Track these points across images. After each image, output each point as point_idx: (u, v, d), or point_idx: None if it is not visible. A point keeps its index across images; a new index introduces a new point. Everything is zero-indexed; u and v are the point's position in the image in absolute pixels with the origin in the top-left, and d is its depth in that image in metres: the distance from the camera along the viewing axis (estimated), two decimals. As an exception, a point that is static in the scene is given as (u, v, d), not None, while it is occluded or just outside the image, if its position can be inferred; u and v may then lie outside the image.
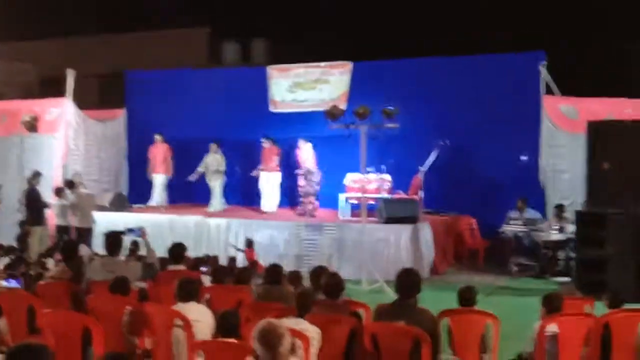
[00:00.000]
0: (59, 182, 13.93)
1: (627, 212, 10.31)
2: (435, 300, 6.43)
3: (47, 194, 13.30)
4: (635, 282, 9.90)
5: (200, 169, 14.69)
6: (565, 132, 13.48)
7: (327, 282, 6.10)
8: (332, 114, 11.59)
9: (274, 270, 7.04)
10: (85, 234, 12.74)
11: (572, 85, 14.04)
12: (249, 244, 12.09)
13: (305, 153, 14.12)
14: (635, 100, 13.54)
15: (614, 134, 10.73)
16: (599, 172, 10.71)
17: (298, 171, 14.09)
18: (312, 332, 5.21)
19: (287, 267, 9.09)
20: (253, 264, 10.83)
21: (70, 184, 13.34)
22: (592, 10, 19.93)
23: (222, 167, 14.74)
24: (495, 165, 13.90)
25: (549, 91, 13.70)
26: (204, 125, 15.67)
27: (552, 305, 6.08)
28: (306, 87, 15.60)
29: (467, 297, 6.25)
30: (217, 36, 24.73)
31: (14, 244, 12.37)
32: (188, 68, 18.01)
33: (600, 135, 10.84)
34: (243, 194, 15.62)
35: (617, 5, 19.28)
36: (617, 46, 19.07)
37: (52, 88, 18.17)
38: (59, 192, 13.23)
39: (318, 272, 6.76)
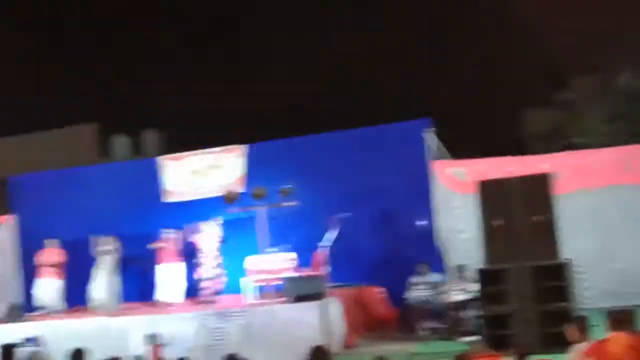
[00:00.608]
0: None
1: (523, 265, 10.59)
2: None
3: None
4: (537, 333, 10.10)
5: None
6: (457, 194, 13.91)
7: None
8: (228, 198, 11.59)
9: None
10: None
11: (459, 148, 14.63)
12: (153, 339, 11.66)
13: (207, 236, 13.90)
14: (519, 157, 14.24)
15: (502, 191, 11.09)
16: (492, 229, 11.00)
17: (198, 256, 13.83)
18: None
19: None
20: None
21: None
22: (474, 76, 21.04)
23: (116, 260, 14.31)
24: (394, 234, 14.14)
25: (438, 156, 14.18)
26: (98, 223, 15.19)
27: (462, 366, 6.13)
28: (201, 174, 15.53)
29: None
30: (106, 131, 24.49)
31: None
32: (78, 166, 17.64)
33: (490, 194, 11.18)
34: (141, 289, 15.11)
35: (495, 72, 20.44)
36: (498, 109, 20.07)
37: None
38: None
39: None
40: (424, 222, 14.08)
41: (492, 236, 11.03)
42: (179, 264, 14.19)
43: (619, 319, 7.00)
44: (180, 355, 7.76)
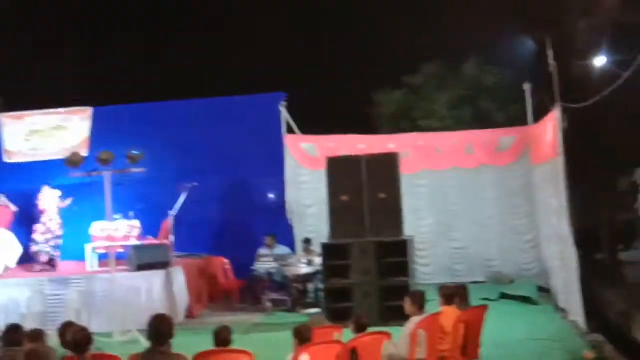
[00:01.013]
0: None
1: (366, 241, 10.96)
2: (191, 344, 6.32)
3: None
4: (377, 306, 10.52)
5: None
6: (307, 169, 14.15)
7: (72, 337, 5.75)
8: (72, 162, 11.11)
9: (12, 331, 6.49)
10: None
11: (310, 124, 14.84)
12: None
13: (47, 201, 13.29)
14: (368, 136, 14.65)
15: (350, 168, 11.37)
16: (339, 204, 11.28)
17: (39, 221, 13.24)
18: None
19: (32, 326, 8.42)
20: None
21: None
22: (326, 56, 21.32)
23: None
24: (243, 205, 14.19)
25: (290, 130, 14.32)
26: None
27: (302, 337, 6.25)
28: (44, 134, 14.80)
29: (222, 338, 6.21)
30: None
31: None
32: None
33: (338, 170, 11.43)
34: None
35: (349, 52, 20.83)
36: (350, 88, 20.45)
37: None
38: None
39: (65, 329, 6.36)
40: (274, 195, 14.22)
41: (338, 212, 11.31)
42: (7, 231, 13.45)
43: (450, 293, 7.44)
44: (10, 322, 7.40)
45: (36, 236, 13.24)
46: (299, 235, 13.87)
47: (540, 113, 12.73)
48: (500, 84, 18.85)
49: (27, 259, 13.87)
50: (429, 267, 13.81)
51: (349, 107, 20.25)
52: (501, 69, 18.70)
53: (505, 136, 14.39)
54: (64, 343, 5.98)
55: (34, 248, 13.22)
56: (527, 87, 14.08)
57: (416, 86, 20.10)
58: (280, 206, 14.31)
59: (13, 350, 6.18)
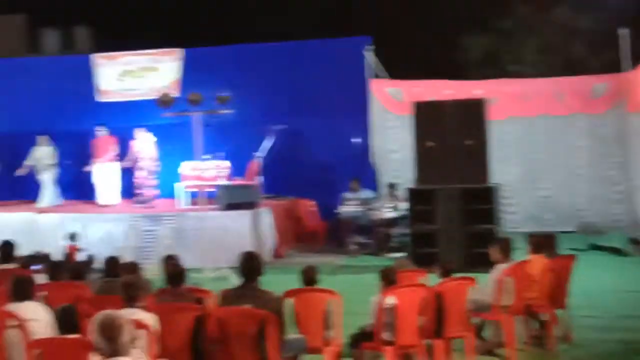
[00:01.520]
0: None
1: (452, 187, 10.90)
2: (278, 282, 6.49)
3: None
4: (462, 252, 10.50)
5: (28, 163, 13.89)
6: (393, 114, 14.08)
7: (168, 270, 6.02)
8: (163, 102, 11.42)
9: (111, 263, 6.84)
10: None
11: (397, 68, 14.70)
12: (72, 238, 11.65)
13: (142, 143, 13.73)
14: (455, 82, 14.42)
15: (437, 114, 11.27)
16: (425, 150, 11.22)
17: (135, 161, 13.71)
18: (149, 320, 5.11)
19: (128, 259, 8.84)
20: (67, 256, 10.30)
21: None
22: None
23: (54, 160, 14.02)
24: (329, 149, 14.27)
25: (376, 75, 14.23)
26: (26, 118, 14.82)
27: (388, 279, 6.32)
28: (135, 75, 15.17)
29: (309, 277, 6.36)
30: (35, 23, 23.48)
31: None
32: (5, 57, 16.96)
33: (425, 116, 11.33)
34: (77, 188, 14.89)
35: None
36: (436, 32, 20.09)
37: None
38: None
39: (165, 261, 6.65)
40: (359, 139, 14.24)
41: (424, 157, 11.25)
42: (113, 164, 14.01)
43: (539, 242, 7.37)
44: (110, 254, 7.79)
45: (136, 174, 13.72)
46: (384, 180, 13.90)
47: (637, 60, 12.22)
48: (593, 28, 18.11)
49: (126, 195, 14.49)
50: (516, 215, 13.61)
51: (435, 52, 19.94)
52: (595, 12, 17.94)
53: (598, 83, 13.92)
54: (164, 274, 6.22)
55: (137, 184, 13.71)
56: (622, 32, 13.50)
57: (505, 30, 19.55)
58: (364, 150, 14.33)
59: (112, 280, 6.52)
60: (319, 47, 14.79)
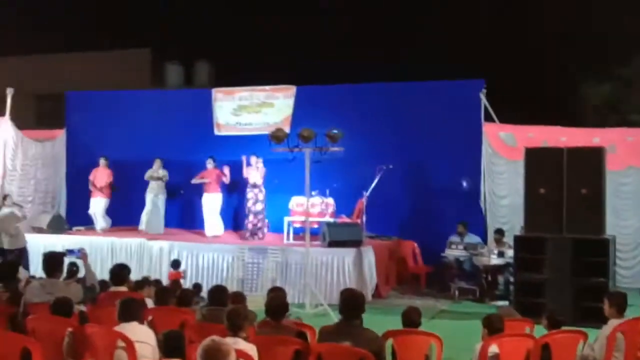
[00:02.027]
0: (-5, 203, 13.52)
1: (563, 236, 10.55)
2: (378, 322, 6.46)
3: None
4: (572, 304, 10.10)
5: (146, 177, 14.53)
6: (504, 159, 13.84)
7: (272, 303, 6.08)
8: (276, 137, 11.58)
9: (218, 292, 6.98)
10: (17, 254, 12.32)
11: (508, 113, 14.46)
12: (175, 265, 12.01)
13: (254, 173, 14.05)
14: (571, 128, 14.01)
15: (550, 161, 10.98)
16: (536, 197, 10.93)
17: (247, 191, 14.04)
18: (250, 351, 5.17)
19: (232, 290, 9.02)
20: (175, 284, 10.58)
21: None
22: (530, 41, 20.58)
23: (164, 188, 14.57)
24: (436, 190, 14.14)
25: (488, 118, 14.05)
26: (146, 148, 15.43)
27: (493, 327, 6.16)
28: (251, 110, 15.59)
29: (412, 319, 6.28)
30: (159, 58, 24.62)
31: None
32: (130, 89, 17.83)
33: (537, 162, 11.07)
34: (187, 216, 15.41)
35: (554, 38, 19.96)
36: (553, 77, 19.67)
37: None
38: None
39: (272, 293, 6.76)
40: (467, 183, 14.05)
41: (535, 204, 10.96)
42: (219, 195, 14.39)
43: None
44: (216, 283, 7.98)
45: (248, 205, 14.01)
46: (491, 225, 13.63)
47: None
48: None
49: (236, 224, 14.83)
50: (630, 271, 13.02)
51: (551, 97, 19.51)
52: None
53: None
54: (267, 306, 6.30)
55: (249, 217, 14.01)
56: None
57: (625, 78, 18.91)
58: (473, 194, 14.11)
59: (217, 309, 6.65)
60: (432, 88, 14.74)
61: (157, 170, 14.52)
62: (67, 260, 8.64)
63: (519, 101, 18.04)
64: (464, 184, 14.08)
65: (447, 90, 14.51)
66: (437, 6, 21.85)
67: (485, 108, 14.01)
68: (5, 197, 13.13)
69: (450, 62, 19.04)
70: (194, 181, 14.36)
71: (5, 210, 12.69)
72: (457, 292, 12.54)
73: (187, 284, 11.54)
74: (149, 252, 13.09)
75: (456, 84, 14.59)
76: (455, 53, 20.47)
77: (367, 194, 13.47)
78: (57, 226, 14.24)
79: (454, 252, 12.85)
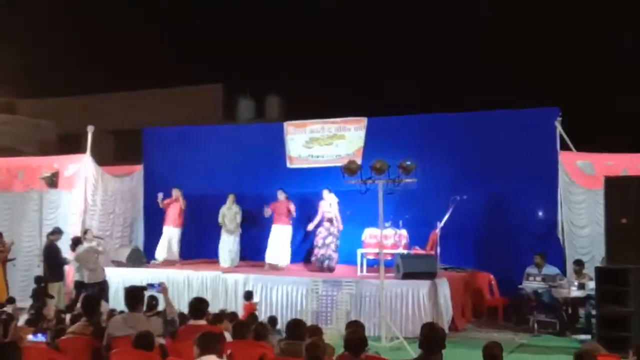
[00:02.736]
0: (77, 238, 13.91)
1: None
2: (455, 356, 6.37)
3: (65, 250, 13.32)
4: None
5: (220, 220, 14.72)
6: (582, 188, 13.50)
7: (351, 337, 6.05)
8: (349, 169, 11.61)
9: (296, 325, 6.99)
10: (98, 289, 12.59)
11: (585, 140, 14.13)
12: (248, 296, 12.08)
13: (328, 203, 14.11)
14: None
15: (631, 190, 10.68)
16: (618, 227, 10.63)
17: (320, 221, 14.11)
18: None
19: (306, 323, 9.02)
20: (252, 317, 10.63)
21: (78, 240, 13.23)
22: (605, 67, 20.17)
23: (238, 221, 14.75)
24: (512, 221, 13.88)
25: (564, 146, 13.77)
26: (219, 181, 15.69)
27: (584, 363, 5.98)
28: (322, 142, 15.68)
29: (492, 354, 6.14)
30: (231, 93, 25.13)
31: (30, 299, 12.44)
32: (204, 124, 18.21)
33: (618, 191, 10.80)
34: (254, 249, 15.51)
35: (632, 63, 19.50)
36: (632, 103, 19.19)
37: (68, 144, 18.45)
38: (74, 247, 13.20)
39: (351, 327, 6.75)
40: (543, 213, 13.75)
41: (616, 234, 10.67)
42: (288, 227, 14.47)
43: None
44: (291, 317, 8.00)
45: (319, 238, 14.08)
46: (570, 256, 13.27)
47: None
48: None
49: (307, 258, 14.87)
50: None
51: (629, 124, 19.01)
52: None
53: None
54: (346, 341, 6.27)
55: (316, 250, 14.07)
56: None
57: None
58: (550, 225, 13.80)
59: (295, 343, 6.66)
60: (505, 117, 14.52)
61: (230, 207, 14.70)
62: (146, 294, 8.84)
63: (596, 129, 17.65)
64: (539, 213, 13.78)
65: (521, 118, 14.28)
66: (510, 34, 21.66)
67: (561, 136, 13.72)
68: (85, 232, 13.48)
69: (524, 90, 18.81)
70: (266, 213, 14.49)
71: (85, 245, 13.04)
72: (536, 325, 12.22)
73: (261, 316, 11.60)
74: (224, 284, 13.22)
75: (530, 112, 14.36)
76: (529, 81, 20.23)
77: (440, 225, 13.34)
78: (135, 260, 14.54)
79: (531, 284, 12.56)
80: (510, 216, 13.97)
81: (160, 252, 15.01)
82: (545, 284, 12.41)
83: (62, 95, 24.94)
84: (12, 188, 15.40)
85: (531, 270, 12.72)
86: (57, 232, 13.45)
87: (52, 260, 13.07)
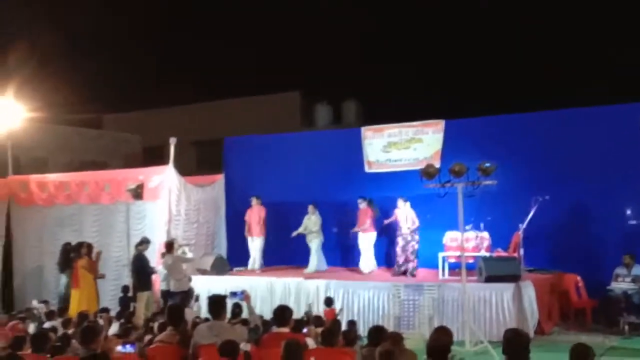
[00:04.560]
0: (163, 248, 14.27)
1: None
2: (544, 361, 6.22)
3: (152, 260, 13.72)
4: None
5: (300, 230, 14.84)
6: (673, 186, 13.01)
7: (433, 344, 6.01)
8: (428, 173, 11.54)
9: (377, 332, 7.01)
10: (182, 297, 12.88)
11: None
12: (329, 302, 12.11)
13: (404, 212, 14.08)
14: None
15: None
16: None
17: (397, 230, 14.08)
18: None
19: (388, 328, 9.02)
20: (336, 323, 10.65)
21: (170, 246, 13.56)
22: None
23: (319, 228, 14.85)
24: (599, 221, 13.51)
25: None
26: (298, 188, 15.86)
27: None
28: (400, 146, 15.63)
29: (582, 357, 5.98)
30: (308, 99, 25.35)
31: (118, 308, 12.88)
32: (282, 132, 18.42)
33: None
34: (341, 255, 15.64)
35: None
36: None
37: (153, 156, 18.99)
38: (163, 257, 13.54)
39: (436, 333, 6.73)
40: (633, 211, 13.30)
41: None
42: (371, 234, 14.49)
43: None
44: (373, 323, 8.01)
45: (398, 248, 14.07)
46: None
47: None
48: None
49: (386, 262, 14.85)
50: None
51: None
52: None
53: None
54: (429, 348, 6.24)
55: (398, 253, 14.06)
56: None
57: None
58: (638, 224, 13.33)
59: (371, 349, 6.68)
60: (586, 114, 14.14)
61: (310, 224, 14.84)
62: (230, 302, 9.02)
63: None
64: (629, 212, 13.33)
65: (606, 115, 13.88)
66: (588, 30, 21.13)
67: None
68: (172, 243, 13.73)
69: (609, 86, 18.29)
70: (354, 230, 14.55)
71: (174, 255, 13.35)
72: (626, 327, 11.85)
73: (342, 321, 11.62)
74: (306, 290, 13.33)
75: (615, 108, 13.92)
76: (613, 76, 19.67)
77: (523, 226, 13.08)
78: (219, 268, 14.82)
79: (621, 284, 12.20)
80: (597, 216, 13.60)
81: (250, 261, 15.29)
82: (636, 284, 12.03)
83: (145, 109, 25.71)
84: (99, 201, 15.91)
85: (620, 270, 12.35)
86: (144, 242, 13.84)
87: (141, 270, 13.46)
